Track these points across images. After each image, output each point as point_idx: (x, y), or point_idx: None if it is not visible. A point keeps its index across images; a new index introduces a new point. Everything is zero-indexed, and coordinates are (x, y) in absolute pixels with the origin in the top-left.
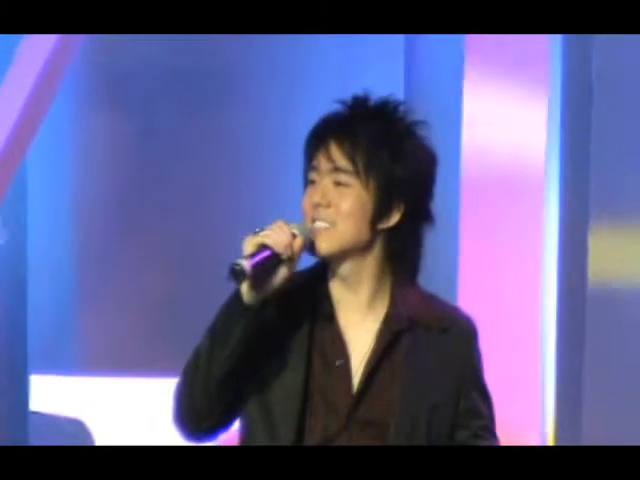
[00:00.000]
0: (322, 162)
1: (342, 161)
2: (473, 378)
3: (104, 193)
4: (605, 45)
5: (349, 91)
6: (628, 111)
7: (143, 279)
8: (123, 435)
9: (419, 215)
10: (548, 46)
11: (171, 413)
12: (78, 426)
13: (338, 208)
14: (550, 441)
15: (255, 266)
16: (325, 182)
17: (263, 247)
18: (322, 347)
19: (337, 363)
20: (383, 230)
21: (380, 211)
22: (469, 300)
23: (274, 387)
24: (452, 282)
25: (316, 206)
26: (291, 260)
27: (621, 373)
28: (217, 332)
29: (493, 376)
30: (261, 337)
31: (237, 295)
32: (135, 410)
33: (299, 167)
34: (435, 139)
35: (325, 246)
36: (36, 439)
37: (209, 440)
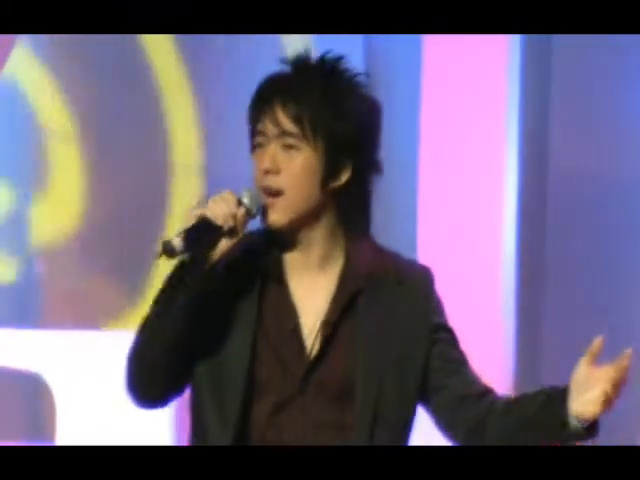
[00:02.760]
0: (268, 126)
1: (288, 125)
2: (437, 321)
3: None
4: (564, 47)
5: None
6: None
7: (102, 233)
8: (80, 389)
9: (368, 168)
10: (506, 47)
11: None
12: (36, 380)
13: (288, 173)
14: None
15: (187, 241)
16: (272, 146)
17: (202, 219)
18: (274, 310)
19: (288, 327)
20: (333, 189)
21: (330, 171)
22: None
23: (222, 352)
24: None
25: (266, 172)
26: (234, 231)
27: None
28: (164, 297)
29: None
30: (209, 301)
31: (181, 263)
32: (93, 363)
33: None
34: (392, 136)
35: (276, 217)
36: None
37: (161, 407)
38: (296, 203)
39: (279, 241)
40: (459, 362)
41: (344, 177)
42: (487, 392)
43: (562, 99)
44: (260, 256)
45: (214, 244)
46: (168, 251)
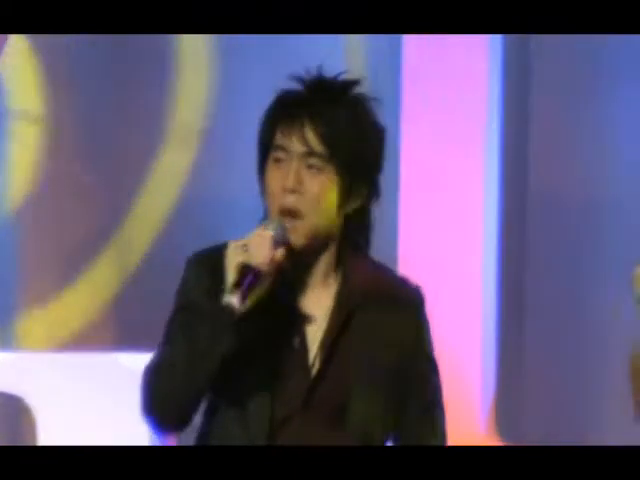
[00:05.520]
0: (295, 143)
1: (317, 145)
2: (422, 348)
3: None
4: (543, 46)
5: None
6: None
7: (82, 254)
8: (61, 412)
9: (376, 193)
10: (487, 47)
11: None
12: (16, 402)
13: (311, 195)
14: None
15: (245, 297)
16: (296, 165)
17: (247, 267)
18: (282, 331)
19: (295, 345)
20: (346, 214)
21: (349, 195)
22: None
23: (244, 383)
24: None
25: (289, 191)
26: (273, 271)
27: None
28: (201, 345)
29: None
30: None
31: (223, 312)
32: (75, 385)
33: None
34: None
35: (295, 239)
36: None
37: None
38: (316, 226)
39: (287, 260)
40: (425, 407)
41: (360, 201)
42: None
43: (542, 102)
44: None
45: (259, 288)
46: (232, 314)
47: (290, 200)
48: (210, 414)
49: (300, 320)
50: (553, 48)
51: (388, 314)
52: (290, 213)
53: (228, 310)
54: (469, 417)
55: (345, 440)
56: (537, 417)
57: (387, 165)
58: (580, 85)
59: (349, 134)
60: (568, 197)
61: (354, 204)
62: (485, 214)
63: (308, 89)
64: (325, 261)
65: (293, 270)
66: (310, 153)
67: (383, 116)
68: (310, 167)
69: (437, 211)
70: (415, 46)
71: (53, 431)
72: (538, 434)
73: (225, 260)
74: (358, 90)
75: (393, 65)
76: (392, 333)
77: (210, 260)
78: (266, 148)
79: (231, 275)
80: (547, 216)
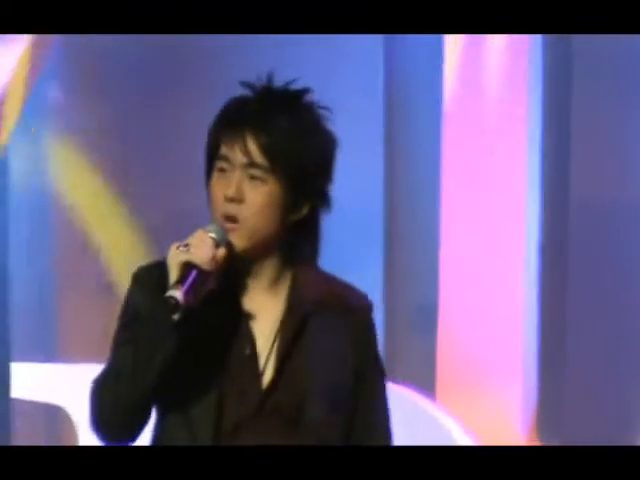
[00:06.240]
0: (237, 154)
1: (259, 157)
2: (373, 350)
3: (85, 182)
4: (585, 46)
5: (329, 89)
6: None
7: (121, 267)
8: None
9: (325, 203)
10: (528, 47)
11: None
12: (59, 413)
13: (251, 204)
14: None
15: (187, 293)
16: (238, 175)
17: (189, 266)
18: (230, 334)
19: (245, 352)
20: (291, 222)
21: (292, 205)
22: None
23: (190, 388)
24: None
25: (229, 200)
26: (215, 271)
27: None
28: (142, 346)
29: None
30: (180, 341)
31: (163, 315)
32: None
33: None
34: (415, 137)
35: (234, 242)
36: (18, 426)
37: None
38: (255, 232)
39: (230, 265)
40: (371, 409)
41: (304, 211)
42: None
43: (583, 102)
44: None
45: (202, 287)
46: (174, 307)
47: (230, 208)
48: (158, 421)
49: (248, 325)
50: (595, 48)
51: (340, 320)
52: (230, 219)
53: (170, 303)
54: (510, 421)
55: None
56: (578, 420)
57: (428, 168)
58: (622, 86)
59: (292, 146)
60: (611, 200)
61: (297, 215)
62: (527, 216)
63: (255, 97)
64: (271, 267)
65: (238, 274)
66: (251, 164)
67: (425, 118)
68: (252, 178)
69: (478, 214)
70: (456, 47)
71: (94, 441)
72: (579, 437)
73: (168, 261)
74: (307, 99)
75: (434, 67)
76: (345, 338)
77: (152, 273)
78: (211, 158)
79: (173, 274)
80: (589, 219)
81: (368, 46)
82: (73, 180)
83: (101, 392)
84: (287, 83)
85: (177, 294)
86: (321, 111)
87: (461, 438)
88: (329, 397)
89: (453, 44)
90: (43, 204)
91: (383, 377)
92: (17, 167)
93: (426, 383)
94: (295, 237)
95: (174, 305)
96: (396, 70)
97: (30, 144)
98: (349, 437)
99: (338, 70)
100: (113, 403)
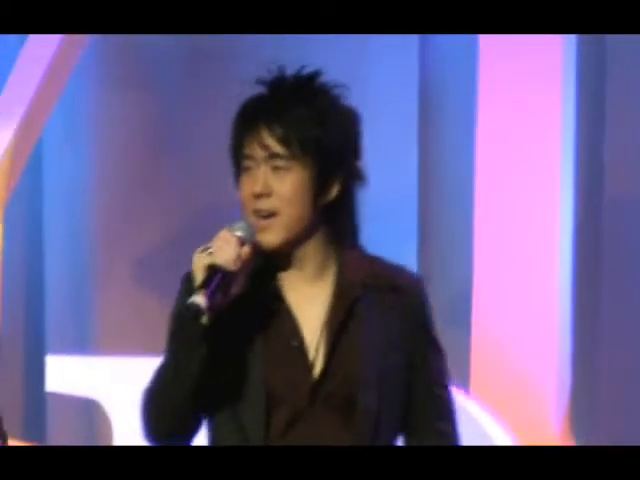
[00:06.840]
0: (257, 150)
1: (276, 147)
2: (427, 331)
3: (120, 177)
4: (619, 46)
5: (362, 89)
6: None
7: (157, 260)
8: (137, 416)
9: (355, 179)
10: (562, 47)
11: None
12: (94, 406)
13: (280, 194)
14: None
15: (211, 297)
16: (262, 170)
17: (213, 269)
18: (278, 328)
19: (292, 344)
20: (324, 204)
21: (321, 187)
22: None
23: (238, 386)
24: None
25: (258, 196)
26: (242, 271)
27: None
28: (179, 354)
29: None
30: (219, 343)
31: (188, 323)
32: None
33: None
34: (449, 136)
35: (271, 238)
36: (53, 420)
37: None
38: (290, 223)
39: (273, 260)
40: (430, 389)
41: (335, 191)
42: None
43: (617, 102)
44: (256, 277)
45: (229, 288)
46: (197, 312)
47: (260, 203)
48: (209, 421)
49: (293, 317)
50: (629, 48)
51: (390, 302)
52: (262, 214)
53: (192, 310)
54: (545, 416)
55: (356, 431)
56: (612, 416)
57: (462, 167)
58: None
59: (308, 130)
60: None
61: (328, 196)
62: (561, 215)
63: (269, 91)
64: (314, 255)
65: (281, 267)
66: (271, 155)
67: (459, 118)
68: (276, 169)
69: (512, 211)
70: (490, 46)
71: (129, 435)
72: (612, 436)
73: (192, 266)
74: (319, 81)
75: (468, 66)
76: (396, 320)
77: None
78: (237, 159)
79: (197, 278)
80: (623, 218)
81: (402, 46)
82: (107, 176)
83: (148, 400)
84: (298, 70)
85: (199, 299)
86: (337, 89)
87: (495, 431)
88: (383, 383)
89: (487, 44)
90: (79, 196)
91: (441, 358)
92: (51, 162)
93: (460, 378)
94: (332, 219)
95: (196, 311)
96: (431, 70)
97: (63, 141)
98: (407, 424)
99: (373, 70)
100: (160, 412)
